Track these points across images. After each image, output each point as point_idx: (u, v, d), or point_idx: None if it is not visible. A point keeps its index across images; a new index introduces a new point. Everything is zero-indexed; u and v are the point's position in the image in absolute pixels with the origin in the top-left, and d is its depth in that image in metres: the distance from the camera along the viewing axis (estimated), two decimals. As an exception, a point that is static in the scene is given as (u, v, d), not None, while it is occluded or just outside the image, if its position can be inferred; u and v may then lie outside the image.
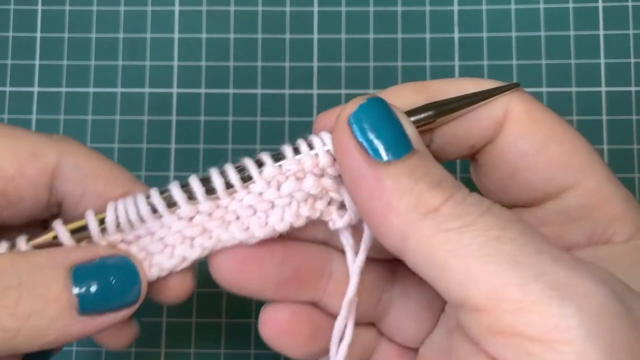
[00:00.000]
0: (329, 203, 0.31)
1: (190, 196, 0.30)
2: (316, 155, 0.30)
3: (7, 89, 0.48)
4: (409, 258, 0.26)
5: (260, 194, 0.30)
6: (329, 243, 0.32)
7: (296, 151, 0.30)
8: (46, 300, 0.26)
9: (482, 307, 0.24)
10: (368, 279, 0.33)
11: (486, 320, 0.24)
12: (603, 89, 0.47)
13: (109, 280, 0.28)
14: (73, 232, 0.29)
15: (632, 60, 0.47)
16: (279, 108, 0.47)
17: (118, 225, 0.29)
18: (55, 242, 0.29)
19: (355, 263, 0.31)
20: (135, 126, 0.47)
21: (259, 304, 0.46)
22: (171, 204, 0.30)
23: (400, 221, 0.26)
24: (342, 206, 0.31)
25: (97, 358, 0.45)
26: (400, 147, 0.27)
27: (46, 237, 0.29)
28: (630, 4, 0.48)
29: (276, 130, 0.47)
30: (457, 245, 0.24)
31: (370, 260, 0.32)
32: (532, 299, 0.23)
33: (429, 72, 0.47)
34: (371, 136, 0.27)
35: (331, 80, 0.48)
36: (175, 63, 0.48)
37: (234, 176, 0.30)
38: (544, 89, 0.47)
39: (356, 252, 0.31)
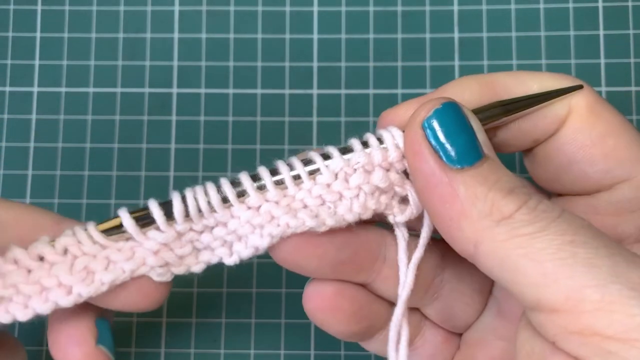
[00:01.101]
0: (392, 197, 0.31)
1: (258, 187, 0.30)
2: (385, 149, 0.30)
3: (7, 89, 0.48)
4: (481, 262, 0.27)
5: (328, 185, 0.30)
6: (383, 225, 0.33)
7: (364, 145, 0.31)
8: None
9: (561, 308, 0.25)
10: (420, 265, 0.33)
11: (564, 320, 0.25)
12: (603, 89, 0.47)
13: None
14: (137, 219, 0.30)
15: (632, 60, 0.47)
16: (279, 108, 0.47)
17: (187, 214, 0.30)
18: (122, 230, 0.30)
19: (412, 260, 0.32)
20: (135, 126, 0.47)
21: (258, 305, 0.46)
22: (239, 194, 0.30)
23: (473, 227, 0.26)
24: (403, 200, 0.32)
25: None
26: (472, 153, 0.27)
27: (113, 223, 0.30)
28: (630, 4, 0.48)
29: (276, 130, 0.47)
30: (531, 250, 0.25)
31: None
32: (611, 300, 0.24)
33: (429, 72, 0.47)
34: (445, 142, 0.27)
35: (331, 80, 0.48)
36: (175, 63, 0.48)
37: (299, 167, 0.30)
38: (544, 89, 0.47)
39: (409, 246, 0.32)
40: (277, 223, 0.30)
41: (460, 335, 0.35)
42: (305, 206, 0.30)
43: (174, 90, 0.48)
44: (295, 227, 0.30)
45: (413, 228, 0.33)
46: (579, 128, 0.31)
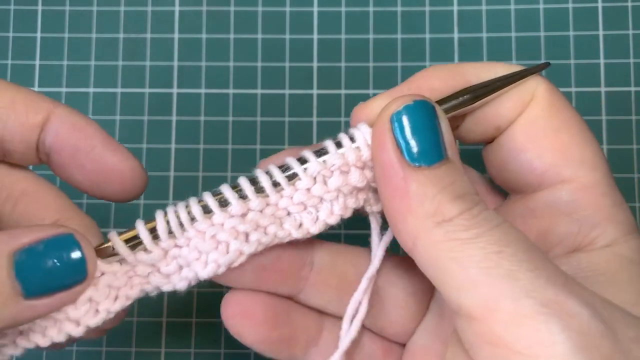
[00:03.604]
0: (368, 190, 0.32)
1: (240, 196, 0.30)
2: (358, 148, 0.31)
3: (7, 89, 0.48)
4: (417, 258, 0.28)
5: (308, 189, 0.30)
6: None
7: (338, 145, 0.31)
8: None
9: (477, 316, 0.25)
10: (351, 272, 0.33)
11: (479, 328, 0.25)
12: (603, 89, 0.47)
13: (51, 261, 0.27)
14: (127, 241, 0.30)
15: (632, 60, 0.47)
16: (279, 108, 0.47)
17: (170, 231, 0.30)
18: (114, 253, 0.30)
19: (382, 240, 0.32)
20: (135, 126, 0.47)
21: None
22: (222, 204, 0.30)
23: (416, 224, 0.27)
24: (376, 191, 0.32)
25: (97, 358, 0.45)
26: (433, 154, 0.28)
27: (105, 246, 0.30)
28: (630, 4, 0.48)
29: (276, 130, 0.47)
30: (461, 255, 0.26)
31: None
32: (523, 313, 0.24)
33: (428, 72, 0.47)
34: (409, 138, 0.28)
35: (331, 80, 0.48)
36: (175, 63, 0.48)
37: (278, 174, 0.30)
38: (544, 89, 0.47)
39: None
40: (265, 232, 0.30)
41: (403, 346, 0.35)
42: (288, 213, 0.30)
43: (174, 90, 0.48)
44: (282, 238, 0.30)
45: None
46: (535, 117, 0.31)
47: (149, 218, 0.31)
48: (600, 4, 0.48)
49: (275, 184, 0.30)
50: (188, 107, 0.47)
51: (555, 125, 0.31)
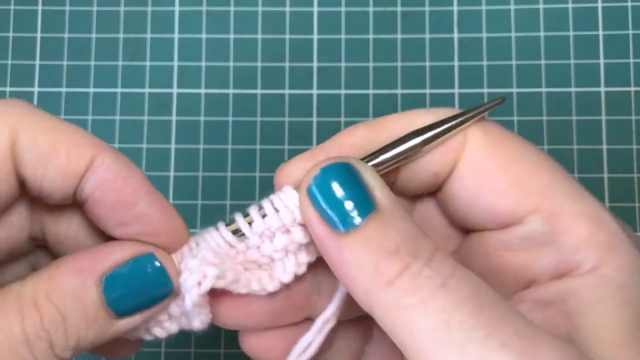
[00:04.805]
0: None
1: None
2: (291, 210, 0.30)
3: (7, 89, 0.48)
4: (381, 326, 0.26)
5: (258, 247, 0.30)
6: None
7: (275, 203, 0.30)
8: (88, 323, 0.27)
9: None
10: (346, 336, 0.33)
11: None
12: (603, 89, 0.47)
13: (138, 281, 0.28)
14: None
15: (632, 60, 0.47)
16: (279, 108, 0.47)
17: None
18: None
19: (339, 288, 0.31)
20: (135, 126, 0.47)
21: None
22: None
23: (363, 292, 0.26)
24: None
25: (98, 357, 0.45)
26: (358, 212, 0.26)
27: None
28: (630, 4, 0.48)
29: (276, 130, 0.47)
30: (411, 326, 0.25)
31: (347, 322, 0.32)
32: None
33: (428, 72, 0.47)
34: (325, 207, 0.27)
35: (331, 80, 0.48)
36: (175, 63, 0.48)
37: (226, 233, 0.30)
38: (544, 89, 0.47)
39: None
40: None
41: None
42: (245, 269, 0.30)
43: (174, 90, 0.48)
44: (258, 291, 0.30)
45: None
46: (478, 158, 0.30)
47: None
48: (600, 4, 0.48)
49: (237, 233, 0.30)
50: (188, 107, 0.47)
51: (501, 162, 0.29)
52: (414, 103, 0.47)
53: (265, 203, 0.30)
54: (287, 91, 0.48)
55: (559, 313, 0.27)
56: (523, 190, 0.29)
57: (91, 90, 0.48)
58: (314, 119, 0.47)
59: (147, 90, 0.48)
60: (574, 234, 0.28)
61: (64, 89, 0.48)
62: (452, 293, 0.25)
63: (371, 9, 0.48)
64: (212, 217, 0.46)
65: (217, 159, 0.47)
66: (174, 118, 0.47)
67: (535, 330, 0.24)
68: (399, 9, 0.48)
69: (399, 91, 0.47)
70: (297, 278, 0.31)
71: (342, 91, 0.48)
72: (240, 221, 0.30)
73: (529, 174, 0.29)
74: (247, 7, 0.49)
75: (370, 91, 0.47)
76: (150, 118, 0.47)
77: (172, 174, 0.46)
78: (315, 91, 0.48)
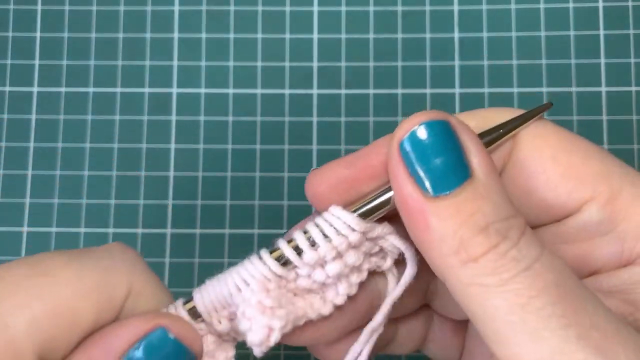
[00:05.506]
0: (370, 255, 0.30)
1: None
2: (344, 236, 0.28)
3: (7, 89, 0.48)
4: (450, 292, 0.26)
5: (309, 275, 0.29)
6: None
7: (325, 234, 0.28)
8: None
9: None
10: (407, 327, 0.32)
11: None
12: (603, 89, 0.47)
13: (158, 357, 0.26)
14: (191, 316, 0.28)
15: (632, 60, 0.47)
16: (279, 108, 0.47)
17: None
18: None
19: (387, 297, 0.30)
20: (135, 126, 0.47)
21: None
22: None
23: (441, 262, 0.25)
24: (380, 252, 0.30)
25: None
26: (452, 178, 0.25)
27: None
28: (630, 4, 0.48)
29: (276, 130, 0.47)
30: (487, 304, 0.24)
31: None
32: None
33: (429, 72, 0.47)
34: (417, 168, 0.25)
35: (331, 80, 0.48)
36: (176, 63, 0.48)
37: (274, 266, 0.28)
38: (544, 89, 0.47)
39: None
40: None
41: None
42: (295, 294, 0.29)
43: (174, 90, 0.48)
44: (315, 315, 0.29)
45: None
46: (527, 154, 0.29)
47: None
48: (600, 4, 0.48)
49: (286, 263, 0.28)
50: (188, 107, 0.47)
51: (549, 154, 0.28)
52: (414, 103, 0.47)
53: (312, 228, 0.28)
54: (287, 91, 0.48)
55: (623, 302, 0.26)
56: (576, 179, 0.28)
57: (90, 89, 0.48)
58: (314, 118, 0.47)
59: (146, 90, 0.48)
60: (634, 220, 0.27)
61: (63, 89, 0.48)
62: (534, 278, 0.23)
63: (371, 8, 0.48)
64: (211, 216, 0.46)
65: (217, 159, 0.47)
66: (173, 118, 0.47)
67: (616, 325, 0.23)
68: (399, 8, 0.48)
69: (399, 91, 0.47)
70: (361, 286, 0.30)
71: (342, 91, 0.47)
72: (287, 251, 0.28)
73: (581, 161, 0.28)
74: (247, 6, 0.49)
75: (371, 91, 0.47)
76: (150, 118, 0.47)
77: (171, 173, 0.46)
78: (315, 91, 0.47)
